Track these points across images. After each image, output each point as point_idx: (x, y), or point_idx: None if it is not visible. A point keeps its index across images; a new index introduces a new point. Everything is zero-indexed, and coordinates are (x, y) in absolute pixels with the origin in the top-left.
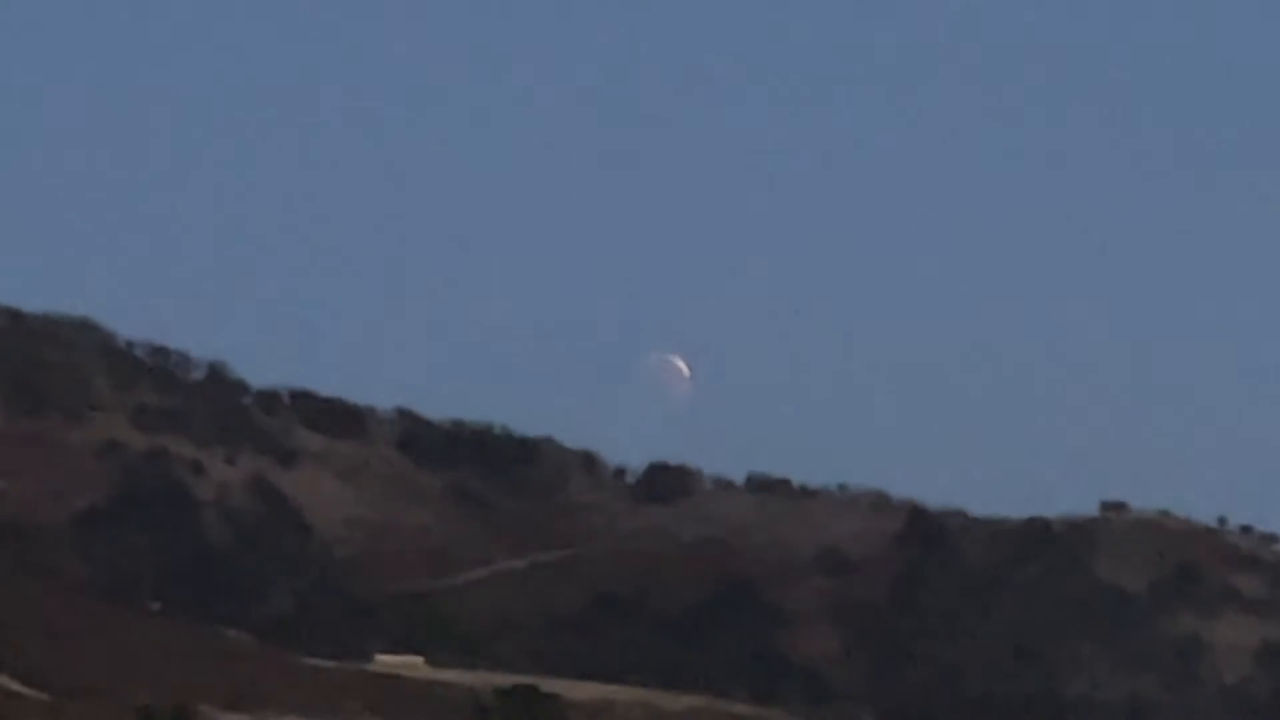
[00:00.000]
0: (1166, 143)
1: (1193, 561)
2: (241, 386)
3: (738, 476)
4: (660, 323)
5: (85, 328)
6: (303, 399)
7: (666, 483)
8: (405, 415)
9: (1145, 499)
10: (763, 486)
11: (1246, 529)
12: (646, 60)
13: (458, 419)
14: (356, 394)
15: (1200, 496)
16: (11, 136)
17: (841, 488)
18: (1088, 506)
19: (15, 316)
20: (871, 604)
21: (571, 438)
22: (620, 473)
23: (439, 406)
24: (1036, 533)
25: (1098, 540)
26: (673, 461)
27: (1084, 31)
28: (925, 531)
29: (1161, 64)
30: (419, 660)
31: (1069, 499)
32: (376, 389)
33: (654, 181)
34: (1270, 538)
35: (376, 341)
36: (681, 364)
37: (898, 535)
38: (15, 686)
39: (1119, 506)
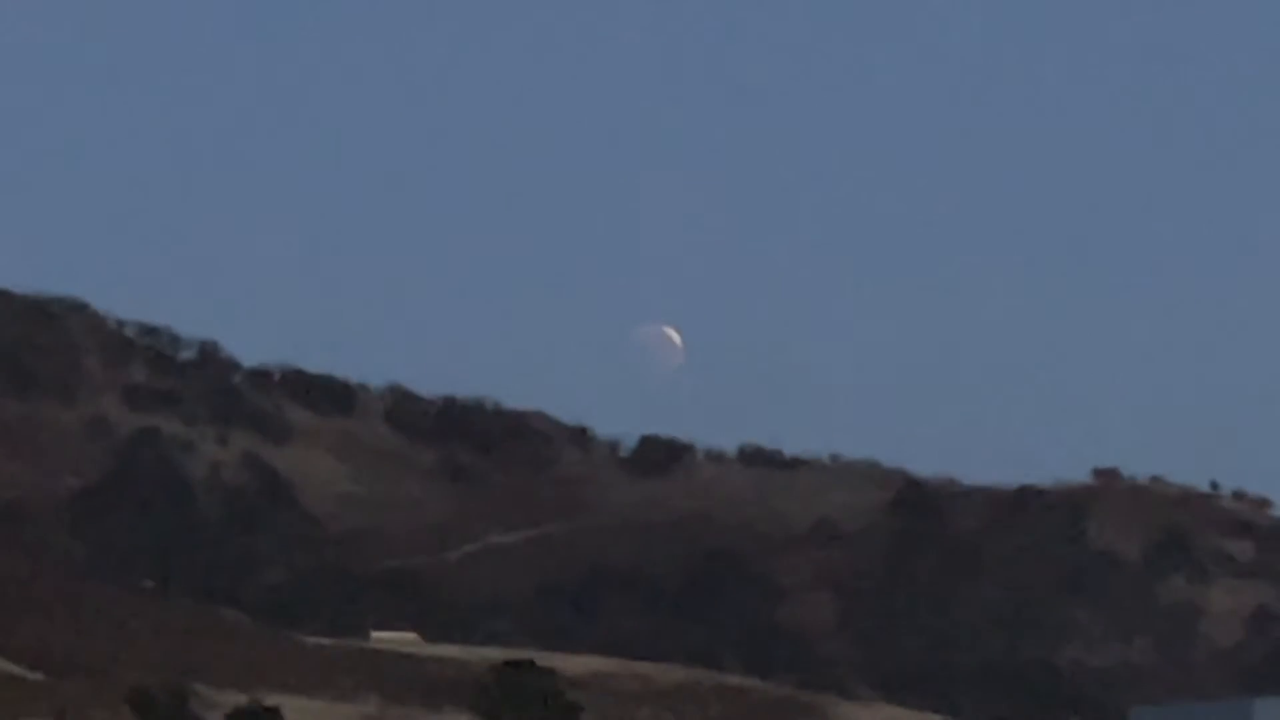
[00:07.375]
0: (1169, 127)
1: (1185, 527)
2: (233, 365)
3: (730, 448)
4: (652, 294)
5: (76, 308)
6: (294, 376)
7: (659, 455)
8: (396, 391)
9: (1137, 465)
10: (755, 457)
11: (1239, 494)
12: (639, 47)
13: (449, 394)
14: (347, 370)
15: (1192, 462)
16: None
17: (833, 458)
18: (1080, 473)
19: (5, 297)
20: (864, 573)
21: (563, 411)
22: (613, 445)
23: (430, 382)
24: (1029, 500)
25: (1090, 507)
26: (665, 434)
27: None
28: (917, 500)
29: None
30: (414, 636)
31: (1061, 466)
32: (367, 365)
33: (644, 153)
34: (1262, 502)
35: (367, 317)
36: (674, 335)
37: (890, 505)
38: (9, 667)
39: (1111, 473)
